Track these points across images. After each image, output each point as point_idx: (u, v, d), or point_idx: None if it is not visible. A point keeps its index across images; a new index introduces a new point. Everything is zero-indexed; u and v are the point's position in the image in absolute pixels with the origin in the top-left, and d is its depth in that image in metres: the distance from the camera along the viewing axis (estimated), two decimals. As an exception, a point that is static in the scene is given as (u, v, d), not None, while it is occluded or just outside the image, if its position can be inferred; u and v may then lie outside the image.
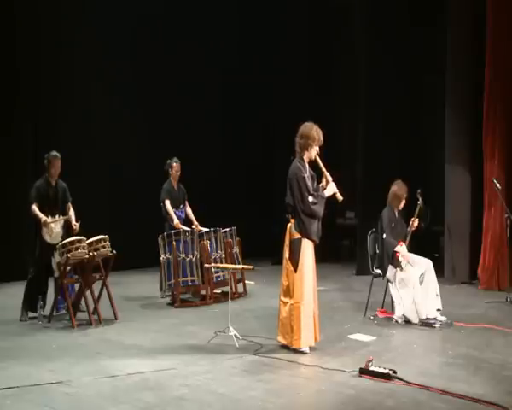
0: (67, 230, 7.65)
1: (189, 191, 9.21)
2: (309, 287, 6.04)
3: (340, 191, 6.16)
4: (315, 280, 6.17)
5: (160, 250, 8.57)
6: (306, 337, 6.00)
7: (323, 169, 6.17)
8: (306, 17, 12.37)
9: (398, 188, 7.48)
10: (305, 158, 6.16)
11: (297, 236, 6.05)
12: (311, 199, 6.01)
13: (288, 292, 6.08)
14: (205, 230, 8.83)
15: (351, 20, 12.19)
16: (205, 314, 7.86)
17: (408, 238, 7.45)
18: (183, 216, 9.03)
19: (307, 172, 6.13)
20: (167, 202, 8.83)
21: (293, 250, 6.05)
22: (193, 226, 8.93)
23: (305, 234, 6.03)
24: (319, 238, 6.13)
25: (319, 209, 6.05)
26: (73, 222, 7.63)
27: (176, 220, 8.75)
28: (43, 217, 7.44)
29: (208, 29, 12.32)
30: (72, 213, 7.73)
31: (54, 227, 7.56)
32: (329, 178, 6.15)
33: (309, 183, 6.05)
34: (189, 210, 9.13)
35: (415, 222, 7.45)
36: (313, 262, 6.13)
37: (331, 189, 6.13)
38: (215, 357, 5.91)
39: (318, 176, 6.26)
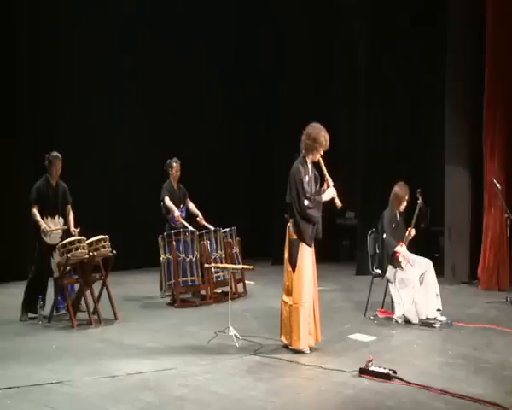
0: (66, 233, 7.65)
1: (188, 191, 9.19)
2: (308, 288, 6.03)
3: (339, 197, 6.15)
4: (315, 281, 6.17)
5: (160, 250, 8.57)
6: (305, 338, 5.99)
7: (325, 173, 6.16)
8: (306, 17, 12.37)
9: (399, 189, 7.46)
10: (309, 159, 6.14)
11: (295, 236, 6.05)
12: (306, 203, 5.98)
13: (289, 292, 6.08)
14: (209, 226, 8.84)
15: (351, 20, 12.20)
16: (205, 314, 7.86)
17: (406, 243, 7.42)
18: (184, 215, 9.03)
19: (309, 174, 6.12)
20: (167, 199, 8.81)
21: (291, 251, 6.06)
22: (198, 219, 8.94)
23: (300, 236, 6.02)
24: (313, 241, 6.08)
25: (315, 214, 6.03)
26: (72, 228, 7.63)
27: (177, 213, 8.75)
28: (42, 224, 7.43)
29: (208, 28, 12.32)
30: (71, 216, 7.74)
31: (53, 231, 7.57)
32: (330, 183, 6.14)
33: (306, 185, 6.03)
34: (191, 205, 9.10)
35: (412, 232, 7.42)
36: (313, 263, 6.12)
37: (330, 193, 6.12)
38: (215, 357, 5.90)
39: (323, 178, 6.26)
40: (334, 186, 6.15)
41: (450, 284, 9.55)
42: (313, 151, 6.09)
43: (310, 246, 6.07)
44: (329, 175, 6.17)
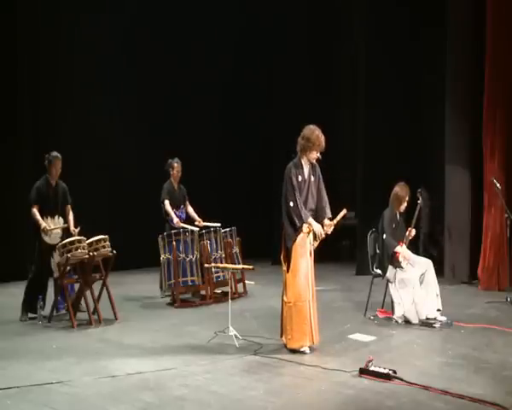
0: (66, 233, 7.66)
1: (188, 191, 9.20)
2: (302, 287, 5.98)
3: (317, 247, 6.14)
4: (313, 281, 6.10)
5: (160, 250, 8.57)
6: (299, 338, 5.97)
7: (336, 220, 6.16)
8: (306, 17, 12.37)
9: (400, 189, 7.45)
10: (304, 159, 6.13)
11: None
12: (291, 204, 5.97)
13: (286, 292, 6.07)
14: (210, 224, 8.83)
15: (351, 20, 12.20)
16: (205, 314, 7.86)
17: (406, 243, 7.42)
18: (184, 216, 9.03)
19: (305, 176, 6.09)
20: (167, 203, 8.83)
21: (286, 250, 6.05)
22: (196, 223, 8.93)
23: (285, 236, 6.01)
24: (293, 243, 6.01)
25: (297, 219, 5.96)
26: (72, 228, 7.64)
27: (176, 219, 8.75)
28: (42, 223, 7.44)
29: (208, 28, 12.32)
30: (71, 216, 7.74)
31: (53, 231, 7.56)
32: (328, 230, 6.10)
33: (295, 184, 6.00)
34: (190, 209, 9.12)
35: (412, 232, 7.43)
36: (309, 262, 6.07)
37: (317, 228, 6.03)
38: (215, 357, 5.90)
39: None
40: (325, 234, 6.11)
41: (450, 284, 9.55)
42: (307, 151, 6.07)
43: (289, 247, 6.00)
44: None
